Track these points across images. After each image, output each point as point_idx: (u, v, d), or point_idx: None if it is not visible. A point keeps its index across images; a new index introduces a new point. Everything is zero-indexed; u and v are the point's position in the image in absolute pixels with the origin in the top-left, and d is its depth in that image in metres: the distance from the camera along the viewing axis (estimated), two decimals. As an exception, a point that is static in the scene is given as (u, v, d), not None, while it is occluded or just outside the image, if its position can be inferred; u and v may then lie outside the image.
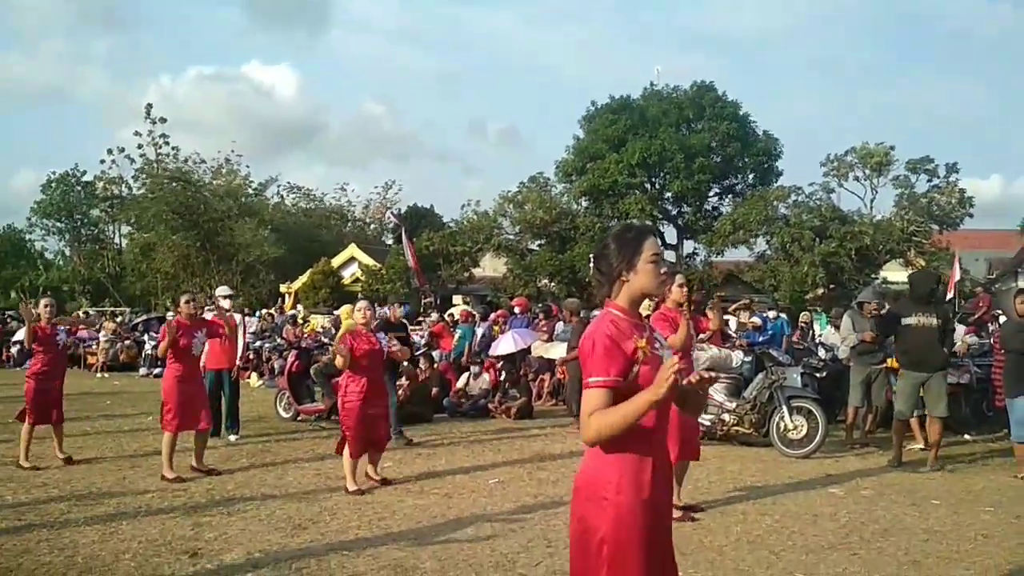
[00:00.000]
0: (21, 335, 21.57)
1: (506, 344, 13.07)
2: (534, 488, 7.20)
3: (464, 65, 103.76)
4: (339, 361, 7.16)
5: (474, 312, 17.47)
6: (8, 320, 24.02)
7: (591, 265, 2.78)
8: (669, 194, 28.58)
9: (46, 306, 8.42)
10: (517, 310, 15.67)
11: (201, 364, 8.75)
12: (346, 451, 7.06)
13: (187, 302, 8.06)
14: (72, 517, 6.10)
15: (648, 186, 28.31)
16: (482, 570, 4.90)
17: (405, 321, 10.56)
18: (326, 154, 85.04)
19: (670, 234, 29.30)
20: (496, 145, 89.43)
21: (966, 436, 10.08)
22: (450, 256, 28.49)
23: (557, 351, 12.90)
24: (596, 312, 13.77)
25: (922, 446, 8.87)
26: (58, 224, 43.02)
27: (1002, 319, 10.21)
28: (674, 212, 29.50)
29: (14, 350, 20.89)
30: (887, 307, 9.36)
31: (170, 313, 24.27)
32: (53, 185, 42.15)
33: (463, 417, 11.80)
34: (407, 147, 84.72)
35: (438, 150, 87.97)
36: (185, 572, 4.86)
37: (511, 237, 28.84)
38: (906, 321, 8.39)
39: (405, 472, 7.79)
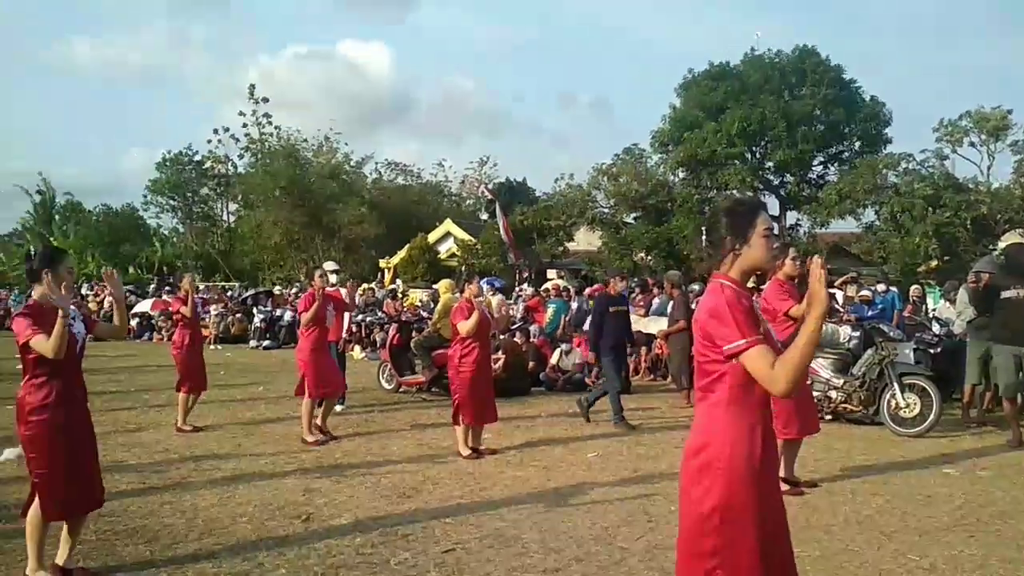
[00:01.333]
0: (141, 307, 22.92)
1: (601, 318, 12.98)
2: (633, 463, 7.18)
3: (552, 36, 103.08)
4: (467, 326, 7.24)
5: (569, 286, 17.46)
6: (127, 295, 25.43)
7: (702, 238, 2.82)
8: (771, 164, 27.74)
9: (192, 281, 9.31)
10: (613, 284, 15.53)
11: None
12: (460, 419, 7.27)
13: (320, 276, 8.38)
14: (192, 481, 6.46)
15: (748, 156, 27.52)
16: (583, 543, 4.93)
17: (625, 295, 10.27)
18: (419, 130, 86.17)
19: (772, 205, 28.43)
20: (587, 117, 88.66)
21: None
22: (544, 230, 28.46)
23: (656, 325, 12.76)
24: (695, 286, 13.56)
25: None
26: (171, 202, 45.10)
27: None
28: (776, 182, 28.61)
29: (134, 323, 22.13)
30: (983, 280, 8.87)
31: (277, 288, 25.31)
32: (167, 164, 44.17)
33: (561, 392, 11.84)
34: (498, 121, 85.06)
35: (529, 123, 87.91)
36: (298, 535, 5.08)
37: (606, 210, 28.56)
38: (1005, 295, 8.10)
39: (504, 444, 7.89)
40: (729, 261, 2.69)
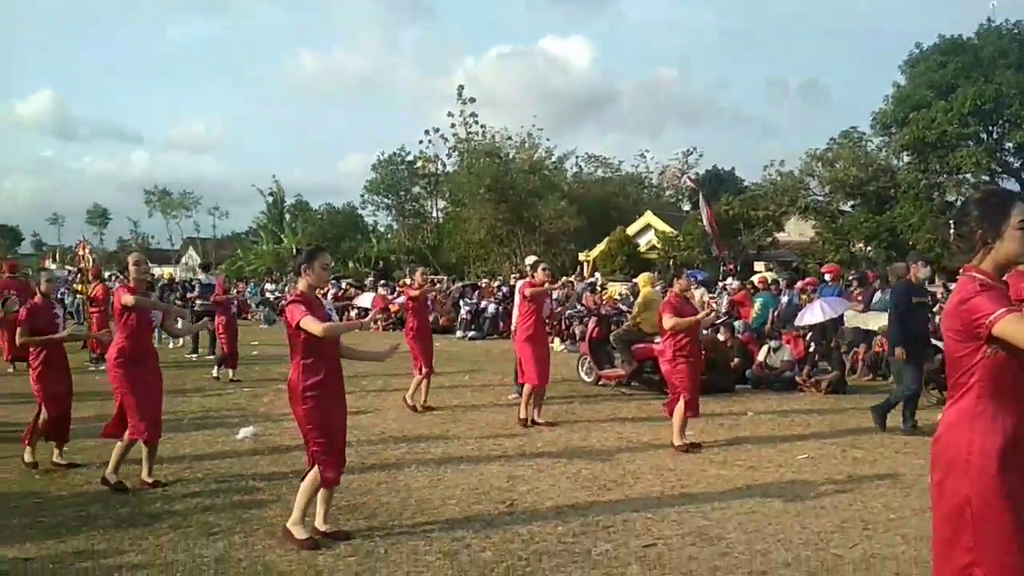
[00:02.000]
0: (362, 302, 24.56)
1: (813, 314, 12.29)
2: (848, 467, 6.74)
3: (759, 19, 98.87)
4: (674, 323, 7.28)
5: (779, 279, 16.68)
6: (348, 288, 27.33)
7: (951, 231, 2.69)
8: (1010, 144, 24.96)
9: (423, 274, 10.10)
10: (828, 277, 14.64)
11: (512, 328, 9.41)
12: (679, 408, 7.28)
13: (544, 270, 8.75)
14: (405, 462, 6.85)
15: (984, 136, 24.92)
16: (792, 546, 4.69)
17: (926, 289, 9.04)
18: (619, 122, 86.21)
19: (1013, 189, 25.60)
20: (798, 102, 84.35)
21: None
22: (751, 220, 27.40)
23: (877, 321, 11.86)
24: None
25: None
26: (386, 200, 48.00)
27: None
28: (1017, 164, 25.72)
29: (352, 314, 23.78)
30: None
31: (483, 281, 26.17)
32: (382, 165, 47.03)
33: (768, 390, 11.35)
34: (702, 110, 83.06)
35: (735, 111, 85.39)
36: (503, 520, 5.24)
37: (820, 198, 27.04)
38: None
39: (707, 441, 7.68)
40: (981, 255, 2.62)
